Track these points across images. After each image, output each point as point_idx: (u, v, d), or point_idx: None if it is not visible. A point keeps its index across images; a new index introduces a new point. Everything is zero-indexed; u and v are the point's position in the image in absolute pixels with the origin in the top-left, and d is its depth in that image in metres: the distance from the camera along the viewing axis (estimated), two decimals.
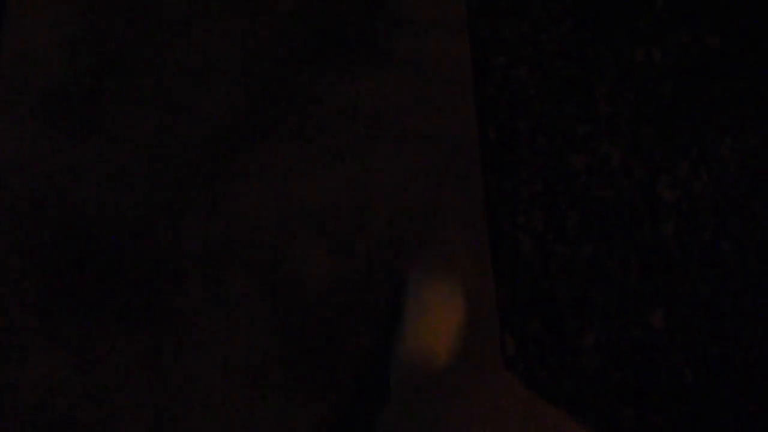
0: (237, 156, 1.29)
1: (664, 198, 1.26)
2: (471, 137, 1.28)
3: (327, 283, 1.22)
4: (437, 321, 1.09)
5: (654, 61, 1.32)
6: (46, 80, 1.32)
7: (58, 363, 1.19)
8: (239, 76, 1.32)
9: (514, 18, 1.34)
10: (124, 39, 1.34)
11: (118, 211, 1.26)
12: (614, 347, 1.19)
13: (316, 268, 1.23)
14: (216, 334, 1.21)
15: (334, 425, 1.17)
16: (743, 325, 1.21)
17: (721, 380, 1.17)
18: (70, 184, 1.27)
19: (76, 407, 1.17)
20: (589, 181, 1.27)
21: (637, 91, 1.31)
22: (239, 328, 1.21)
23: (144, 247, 1.24)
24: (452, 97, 1.30)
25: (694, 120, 1.30)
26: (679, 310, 1.21)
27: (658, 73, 1.32)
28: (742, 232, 1.25)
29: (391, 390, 1.05)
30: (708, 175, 1.27)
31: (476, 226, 1.24)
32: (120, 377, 1.18)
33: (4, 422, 1.17)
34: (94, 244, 1.25)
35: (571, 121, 1.30)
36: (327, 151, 1.28)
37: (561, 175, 1.27)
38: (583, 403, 1.16)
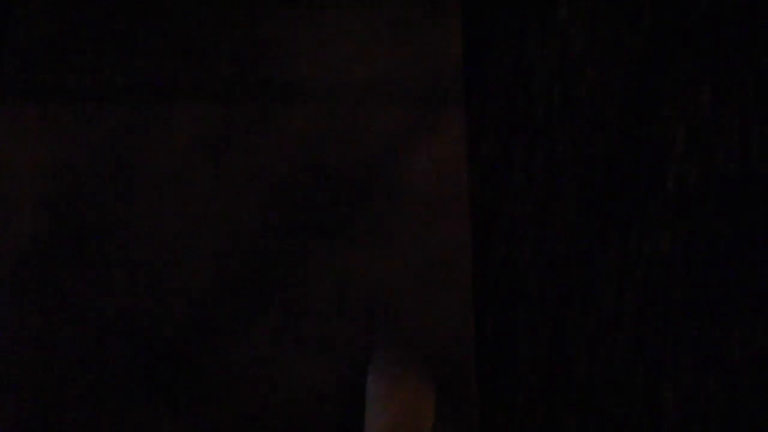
0: (218, 340, 1.21)
1: (668, 404, 1.20)
2: (467, 331, 1.21)
3: None
4: (403, 414, 1.01)
5: (662, 251, 1.25)
6: (24, 236, 1.25)
7: None
8: (223, 249, 1.25)
9: (518, 195, 1.27)
10: (103, 202, 1.27)
11: (89, 392, 1.19)
12: None
13: None
14: None
15: None
16: None
17: None
18: (35, 364, 1.20)
19: None
20: (589, 383, 1.20)
21: (642, 284, 1.24)
22: None
23: None
24: (449, 283, 1.23)
25: (702, 315, 1.23)
26: None
27: (665, 265, 1.25)
28: None
29: None
30: (715, 380, 1.21)
31: None
32: None
33: None
34: (62, 427, 1.17)
35: (573, 315, 1.23)
36: (315, 339, 1.21)
37: (559, 377, 1.20)
38: None
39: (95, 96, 1.31)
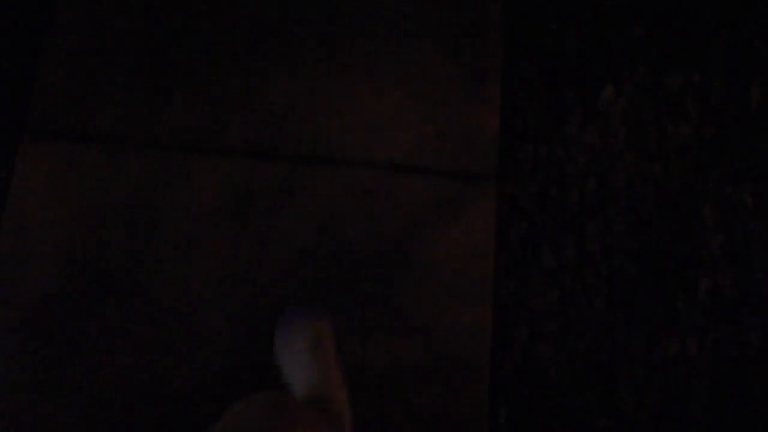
0: (227, 403, 1.19)
1: None
2: (480, 419, 1.18)
3: None
4: (313, 364, 1.04)
5: (688, 354, 1.21)
6: (40, 285, 1.23)
7: None
8: (240, 311, 1.22)
9: (544, 284, 1.23)
10: (123, 253, 1.24)
11: None
12: None
13: None
14: None
15: None
16: None
17: None
18: (49, 410, 1.18)
19: None
20: None
21: (666, 386, 1.20)
22: None
23: None
24: (466, 372, 1.20)
25: (725, 425, 1.19)
26: None
27: (691, 369, 1.21)
28: None
29: None
30: None
31: None
32: None
33: None
34: None
35: (591, 413, 1.19)
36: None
37: None
38: None
39: (122, 142, 1.29)
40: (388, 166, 1.27)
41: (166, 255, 1.24)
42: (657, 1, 1.32)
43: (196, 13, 1.33)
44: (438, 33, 1.32)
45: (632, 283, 1.23)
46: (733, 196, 1.26)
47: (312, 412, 0.88)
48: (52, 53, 1.31)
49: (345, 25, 1.33)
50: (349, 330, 1.21)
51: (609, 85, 1.29)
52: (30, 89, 1.30)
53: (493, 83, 1.29)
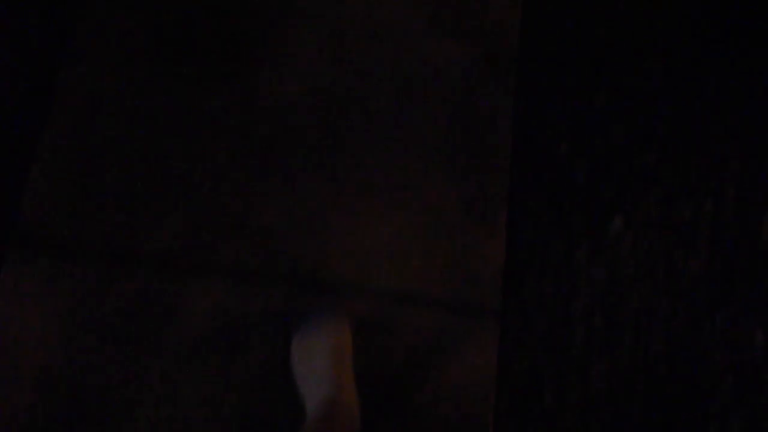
0: None
1: None
2: None
3: None
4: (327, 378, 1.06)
5: None
6: (17, 406, 1.18)
7: None
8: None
9: (547, 425, 1.19)
10: (107, 379, 1.19)
11: None
12: None
13: None
14: None
15: None
16: None
17: None
18: None
19: None
20: None
21: None
22: None
23: None
24: None
25: None
26: None
27: None
28: None
29: None
30: None
31: None
32: None
33: None
34: None
35: None
36: None
37: None
38: None
39: (110, 260, 1.24)
40: (387, 296, 1.23)
41: (152, 382, 1.19)
42: (667, 129, 1.28)
43: (194, 130, 1.29)
44: (443, 157, 1.28)
45: (637, 426, 1.19)
46: (743, 334, 1.21)
47: None
48: (45, 164, 1.27)
49: (346, 146, 1.29)
50: None
51: (617, 216, 1.25)
52: (19, 200, 1.26)
53: (499, 212, 1.25)
